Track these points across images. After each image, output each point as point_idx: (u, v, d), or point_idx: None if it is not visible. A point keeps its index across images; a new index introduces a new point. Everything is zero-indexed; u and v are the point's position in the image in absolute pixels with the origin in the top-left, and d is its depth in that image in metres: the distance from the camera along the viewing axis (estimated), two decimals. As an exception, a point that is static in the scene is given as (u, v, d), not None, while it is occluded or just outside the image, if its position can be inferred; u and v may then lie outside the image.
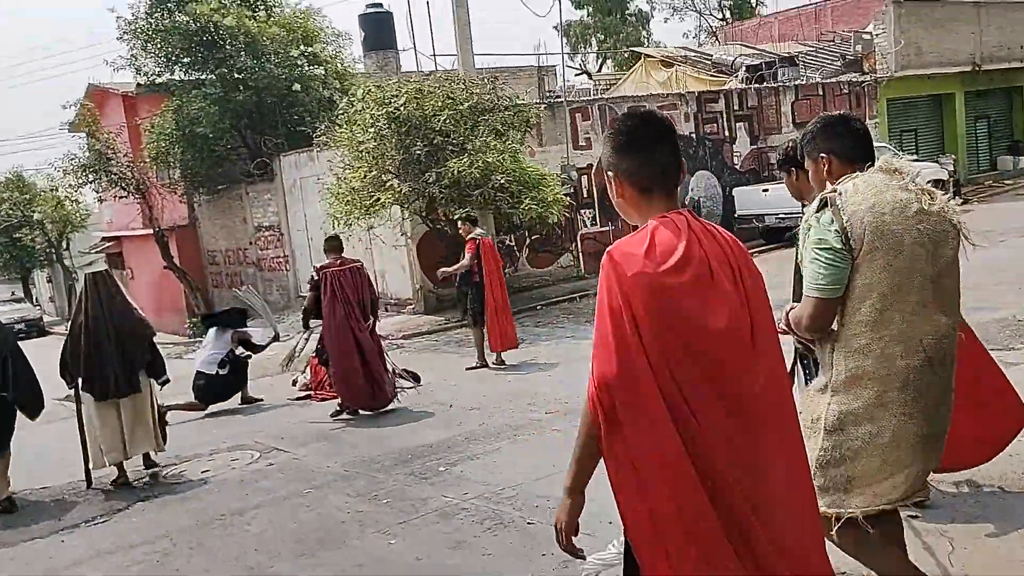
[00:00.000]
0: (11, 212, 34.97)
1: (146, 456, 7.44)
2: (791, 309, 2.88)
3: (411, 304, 16.70)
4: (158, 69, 20.95)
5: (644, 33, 54.46)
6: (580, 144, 17.92)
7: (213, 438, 8.53)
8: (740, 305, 2.10)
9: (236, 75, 19.10)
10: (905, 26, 22.07)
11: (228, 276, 23.11)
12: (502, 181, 13.02)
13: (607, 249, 2.09)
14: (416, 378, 9.97)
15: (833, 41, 28.72)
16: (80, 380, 7.04)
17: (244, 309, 11.52)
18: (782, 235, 18.88)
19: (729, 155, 20.10)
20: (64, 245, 35.43)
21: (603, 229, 18.35)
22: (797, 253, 3.01)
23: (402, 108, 13.05)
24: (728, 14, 51.27)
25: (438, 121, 13.11)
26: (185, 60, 20.54)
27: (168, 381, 7.59)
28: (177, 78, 21.16)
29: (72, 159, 20.39)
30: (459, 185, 13.02)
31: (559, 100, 17.95)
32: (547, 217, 13.78)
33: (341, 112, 14.22)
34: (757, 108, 20.47)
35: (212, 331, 10.61)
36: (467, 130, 13.41)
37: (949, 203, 2.78)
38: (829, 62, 24.95)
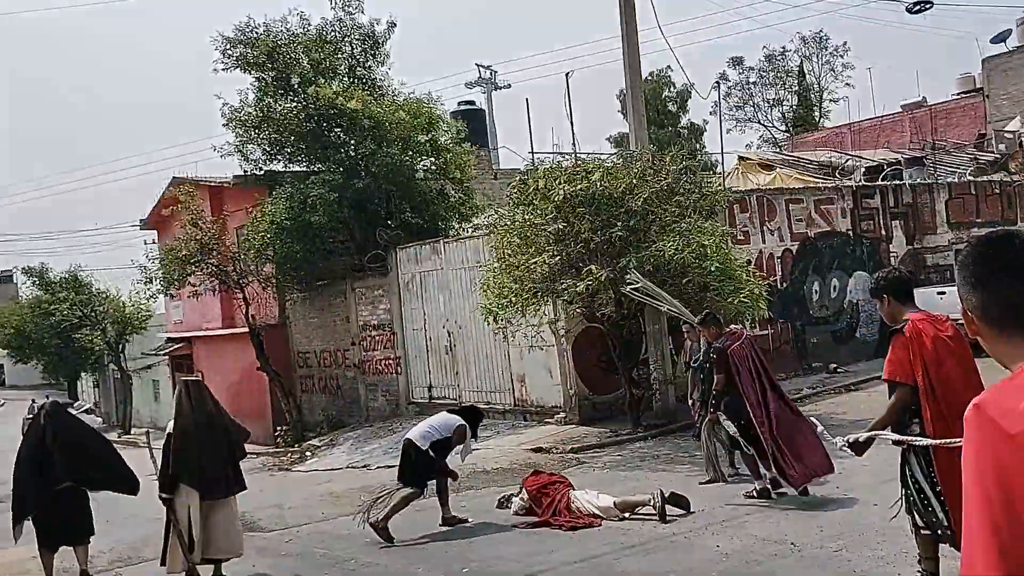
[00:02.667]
0: (68, 312, 33.58)
1: (217, 566, 7.28)
2: None
3: (560, 412, 14.69)
4: (263, 158, 19.75)
5: (698, 145, 54.02)
6: (738, 238, 16.24)
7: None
8: None
9: (357, 161, 17.76)
10: (1056, 124, 20.70)
11: (321, 380, 21.20)
12: (714, 268, 11.27)
13: (973, 401, 1.56)
14: (686, 506, 7.92)
15: (933, 146, 27.40)
16: (184, 478, 7.17)
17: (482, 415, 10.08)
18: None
19: (885, 255, 18.38)
20: (120, 348, 33.79)
21: (762, 333, 16.46)
22: None
23: (598, 184, 11.44)
24: (789, 127, 50.81)
25: (636, 199, 11.47)
26: (289, 150, 19.35)
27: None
28: (281, 167, 19.97)
29: (171, 250, 18.86)
30: (660, 271, 11.27)
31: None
32: (755, 312, 11.97)
33: (514, 191, 12.63)
34: (912, 206, 18.86)
35: (448, 415, 9.30)
36: (664, 211, 11.77)
37: None
38: (950, 164, 23.54)
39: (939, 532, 4.71)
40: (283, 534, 9.25)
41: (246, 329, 21.42)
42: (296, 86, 19.02)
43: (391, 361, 18.80)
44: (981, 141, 27.92)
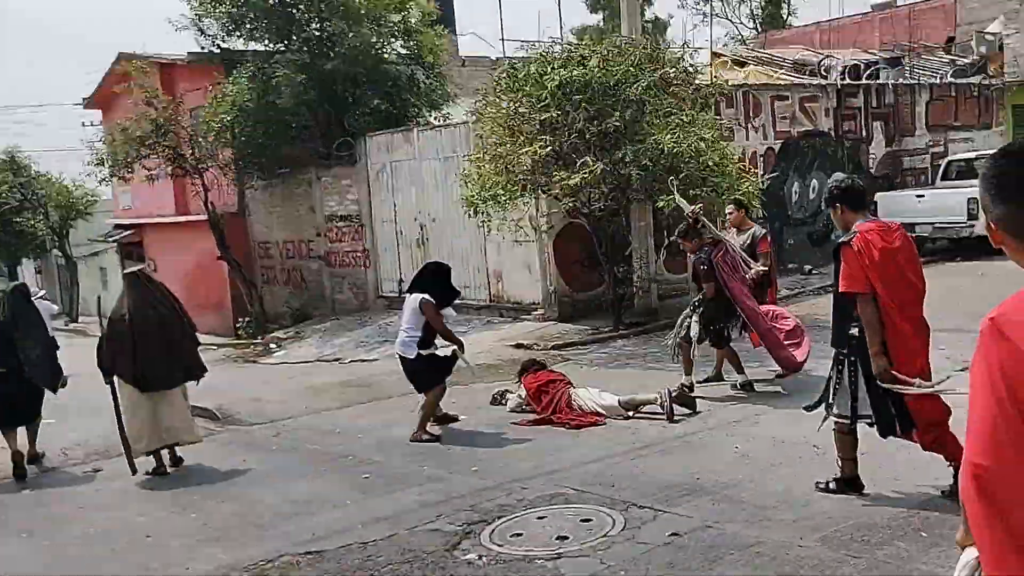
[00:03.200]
0: (7, 195, 32.00)
1: (172, 452, 7.43)
2: None
3: (537, 309, 14.43)
4: (222, 33, 18.50)
5: (662, 40, 52.73)
6: (723, 135, 15.79)
7: (487, 478, 6.21)
8: None
9: (324, 41, 16.72)
10: (1039, 27, 20.40)
11: (283, 271, 20.57)
12: (712, 162, 10.90)
13: (989, 316, 1.67)
14: (692, 405, 7.75)
15: (908, 48, 26.98)
16: (120, 372, 7.27)
17: (446, 268, 8.58)
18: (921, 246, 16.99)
19: (865, 157, 18.18)
20: (64, 233, 32.47)
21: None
22: None
23: (596, 71, 10.84)
24: (756, 24, 49.77)
25: (635, 89, 10.92)
26: (249, 26, 18.10)
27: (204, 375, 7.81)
28: (240, 46, 18.76)
29: (124, 130, 17.69)
30: (656, 165, 10.84)
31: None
32: (750, 211, 11.65)
33: (502, 77, 11.93)
34: (893, 107, 18.58)
35: (407, 300, 8.02)
36: (661, 102, 11.27)
37: None
38: (926, 66, 23.17)
39: (854, 419, 5.11)
40: (268, 428, 8.89)
41: (203, 217, 20.56)
42: (257, -44, 17.66)
43: (359, 254, 18.23)
44: (950, 44, 27.60)
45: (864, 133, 18.10)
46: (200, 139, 18.07)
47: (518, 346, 12.81)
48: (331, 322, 18.00)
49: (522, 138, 11.61)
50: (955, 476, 4.75)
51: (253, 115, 17.26)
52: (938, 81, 19.78)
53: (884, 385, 4.79)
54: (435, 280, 8.10)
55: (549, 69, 11.14)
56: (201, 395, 10.57)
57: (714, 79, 12.80)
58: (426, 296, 7.80)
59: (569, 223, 13.93)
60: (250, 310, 19.66)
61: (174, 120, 17.85)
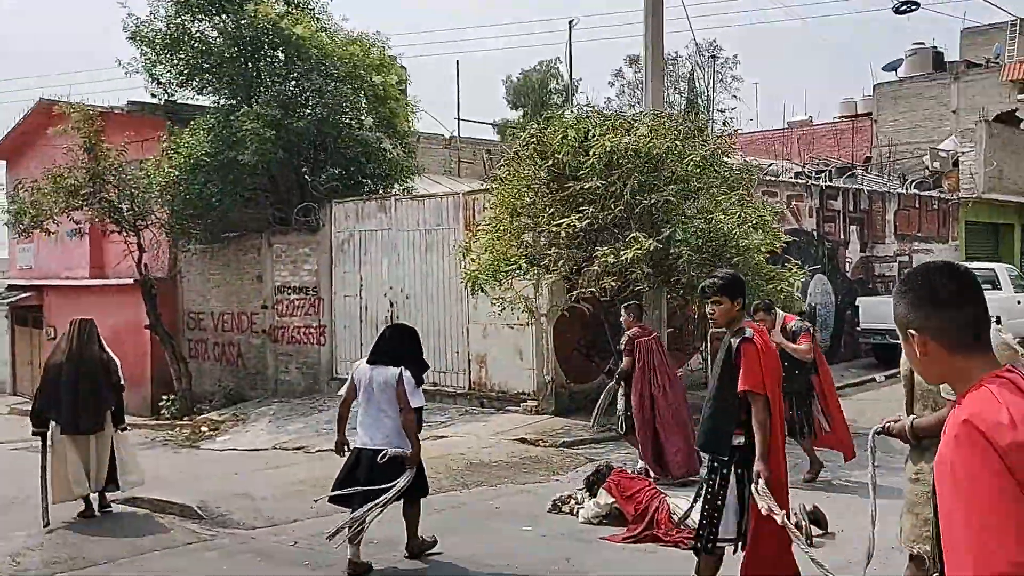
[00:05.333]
0: None
1: (101, 495, 7.80)
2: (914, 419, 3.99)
3: (527, 400, 13.08)
4: (172, 83, 16.94)
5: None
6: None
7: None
8: None
9: (297, 97, 15.32)
10: (992, 148, 21.02)
11: (217, 346, 18.48)
12: (764, 248, 10.05)
13: (963, 418, 1.74)
14: (825, 524, 6.54)
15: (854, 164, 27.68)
16: (54, 417, 7.59)
17: (416, 334, 6.57)
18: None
19: (842, 260, 17.93)
20: (-58, 292, 29.02)
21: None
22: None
23: (642, 142, 9.89)
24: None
25: (685, 164, 10.02)
26: (208, 76, 16.59)
27: (127, 429, 8.23)
28: (193, 99, 17.22)
29: (56, 177, 15.54)
30: (705, 247, 9.91)
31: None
32: (791, 306, 10.81)
33: (530, 139, 10.81)
34: (867, 212, 18.53)
35: (375, 373, 6.09)
36: (709, 180, 10.43)
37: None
38: (874, 180, 23.64)
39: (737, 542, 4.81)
40: (277, 534, 7.15)
41: (122, 281, 18.53)
42: (224, 3, 16.31)
43: (312, 330, 16.48)
44: (867, 164, 28.62)
45: (842, 236, 17.89)
46: (141, 194, 16.15)
47: (521, 441, 11.40)
48: (277, 405, 16.03)
49: (550, 210, 10.50)
50: None
51: (208, 172, 15.58)
52: (904, 191, 19.97)
53: (759, 494, 4.50)
54: (409, 349, 6.23)
55: (590, 135, 10.14)
56: (166, 489, 8.74)
57: (748, 162, 12.08)
58: (407, 371, 6.01)
59: (570, 307, 12.80)
60: (177, 387, 17.43)
61: (114, 171, 15.89)
